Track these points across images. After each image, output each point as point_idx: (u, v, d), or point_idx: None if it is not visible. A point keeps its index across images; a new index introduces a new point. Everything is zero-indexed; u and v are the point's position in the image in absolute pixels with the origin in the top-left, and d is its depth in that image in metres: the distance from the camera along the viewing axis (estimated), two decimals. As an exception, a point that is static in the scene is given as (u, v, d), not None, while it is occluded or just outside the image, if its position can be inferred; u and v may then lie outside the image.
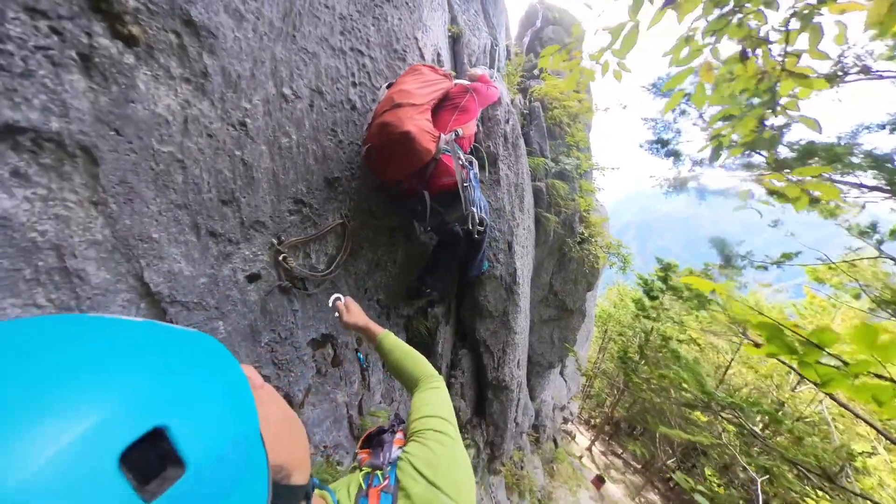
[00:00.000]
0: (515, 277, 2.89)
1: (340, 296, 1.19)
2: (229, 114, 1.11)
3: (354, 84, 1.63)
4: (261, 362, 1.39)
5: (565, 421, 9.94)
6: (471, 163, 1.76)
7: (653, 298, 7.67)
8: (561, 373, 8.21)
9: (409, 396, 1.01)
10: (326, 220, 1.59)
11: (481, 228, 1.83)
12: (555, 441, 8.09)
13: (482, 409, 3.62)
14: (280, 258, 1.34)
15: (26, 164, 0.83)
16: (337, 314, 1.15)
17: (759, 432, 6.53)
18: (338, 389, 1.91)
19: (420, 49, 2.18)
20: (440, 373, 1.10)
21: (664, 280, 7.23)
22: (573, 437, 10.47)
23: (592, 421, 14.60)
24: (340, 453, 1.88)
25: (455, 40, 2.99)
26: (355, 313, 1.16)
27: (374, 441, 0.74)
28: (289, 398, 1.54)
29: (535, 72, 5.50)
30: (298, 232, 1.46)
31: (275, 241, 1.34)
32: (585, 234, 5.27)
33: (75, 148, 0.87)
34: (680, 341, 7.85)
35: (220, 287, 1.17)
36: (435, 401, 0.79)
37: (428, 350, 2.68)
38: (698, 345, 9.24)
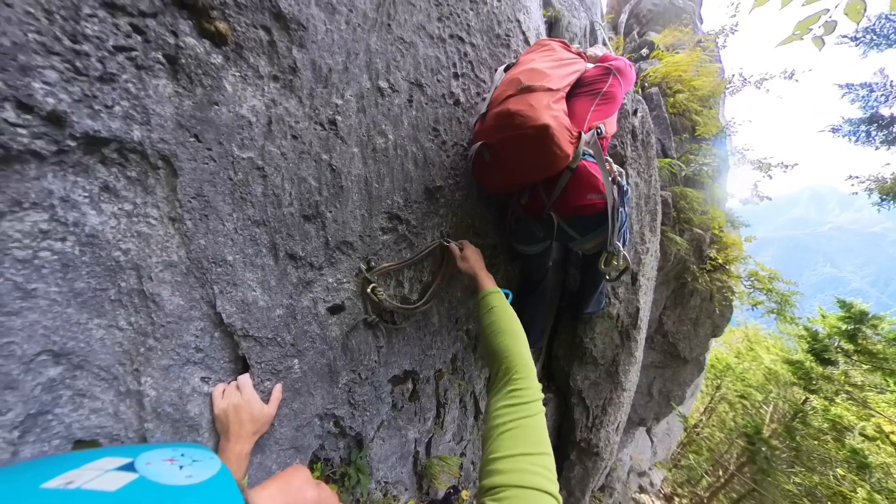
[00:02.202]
0: (636, 320, 2.24)
1: (450, 241, 1.28)
2: (318, 111, 0.94)
3: (456, 75, 1.36)
4: (336, 403, 1.20)
5: (641, 490, 7.71)
6: (621, 175, 1.26)
7: (827, 363, 4.90)
8: (648, 430, 6.32)
9: (490, 382, 0.80)
10: (425, 240, 1.34)
11: (616, 274, 1.32)
12: (620, 509, 6.25)
13: (559, 468, 2.90)
14: (369, 289, 1.12)
15: (115, 178, 0.74)
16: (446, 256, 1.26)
17: None
18: (410, 425, 1.70)
19: (524, 33, 1.84)
20: None
21: (852, 337, 4.61)
22: (645, 512, 7.92)
23: (677, 500, 10.85)
24: (399, 488, 1.69)
25: (551, 25, 2.56)
26: (471, 258, 1.20)
27: None
28: (360, 437, 1.37)
29: (643, 52, 4.39)
30: (392, 255, 1.23)
31: (363, 267, 1.14)
32: (718, 260, 4.03)
33: (157, 158, 0.76)
34: (865, 437, 4.88)
35: (298, 320, 0.99)
36: (526, 441, 0.60)
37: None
38: (892, 443, 5.26)
